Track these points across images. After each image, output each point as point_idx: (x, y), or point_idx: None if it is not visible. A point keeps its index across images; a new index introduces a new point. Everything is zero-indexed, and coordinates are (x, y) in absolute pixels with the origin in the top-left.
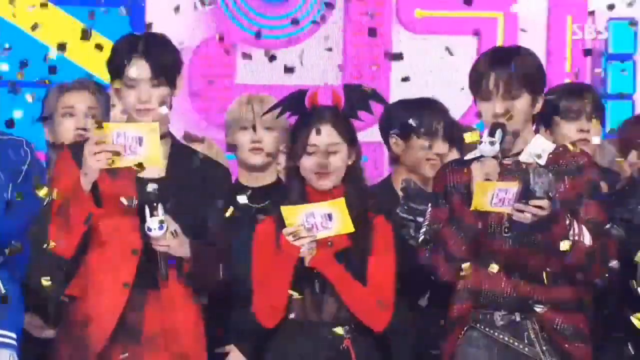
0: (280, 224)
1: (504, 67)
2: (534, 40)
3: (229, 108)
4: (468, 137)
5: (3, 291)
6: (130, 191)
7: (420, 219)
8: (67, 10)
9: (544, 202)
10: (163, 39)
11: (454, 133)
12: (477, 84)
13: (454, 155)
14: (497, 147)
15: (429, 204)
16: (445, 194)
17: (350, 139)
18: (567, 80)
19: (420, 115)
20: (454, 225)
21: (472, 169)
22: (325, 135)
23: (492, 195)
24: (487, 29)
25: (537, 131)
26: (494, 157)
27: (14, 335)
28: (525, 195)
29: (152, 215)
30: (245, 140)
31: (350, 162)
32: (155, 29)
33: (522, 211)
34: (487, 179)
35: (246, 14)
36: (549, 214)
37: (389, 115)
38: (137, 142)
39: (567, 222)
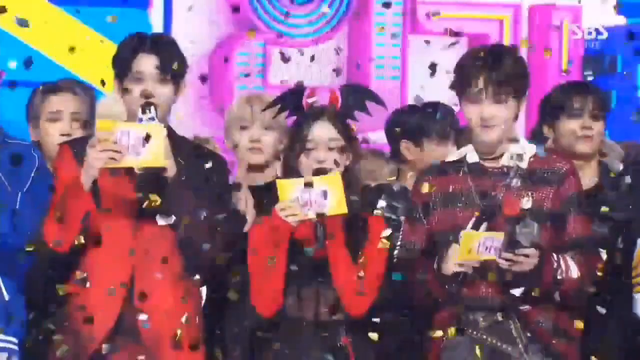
0: None
1: (494, 69)
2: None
3: (229, 107)
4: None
5: (7, 298)
6: (130, 189)
7: (402, 218)
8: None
9: (531, 251)
10: (172, 40)
11: (459, 135)
12: (464, 84)
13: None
14: None
15: (405, 215)
16: (427, 208)
17: (348, 138)
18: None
19: (432, 119)
20: (422, 288)
21: (450, 253)
22: (324, 131)
23: (479, 243)
24: (493, 30)
25: (539, 129)
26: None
27: (15, 340)
28: (512, 245)
29: (143, 113)
30: (245, 139)
31: (347, 162)
32: (185, 27)
33: (509, 260)
34: (463, 272)
35: (275, 11)
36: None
37: (398, 120)
38: (140, 143)
39: (555, 264)
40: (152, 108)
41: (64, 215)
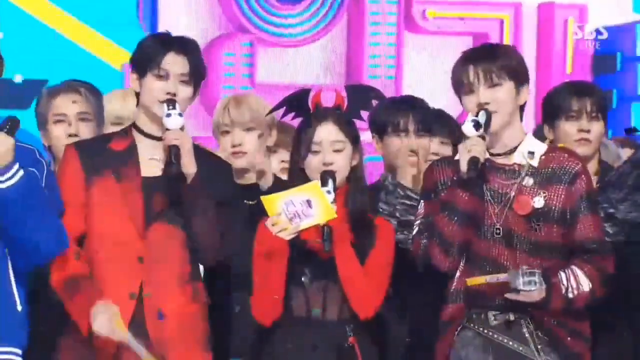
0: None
1: (481, 59)
2: (535, 41)
3: (215, 112)
4: (470, 282)
5: (20, 309)
6: (136, 194)
7: (398, 215)
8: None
9: (536, 293)
10: (197, 43)
11: (434, 126)
12: (459, 81)
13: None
14: (479, 127)
15: (408, 199)
16: (436, 192)
17: (354, 139)
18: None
19: (392, 114)
20: (446, 211)
21: (459, 149)
22: (329, 133)
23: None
24: (494, 30)
25: (540, 130)
26: (480, 137)
27: (19, 352)
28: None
29: (169, 107)
30: (227, 144)
31: (354, 163)
32: (172, 26)
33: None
34: (473, 157)
35: (264, 12)
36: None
37: (371, 117)
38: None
39: (563, 287)
40: (177, 105)
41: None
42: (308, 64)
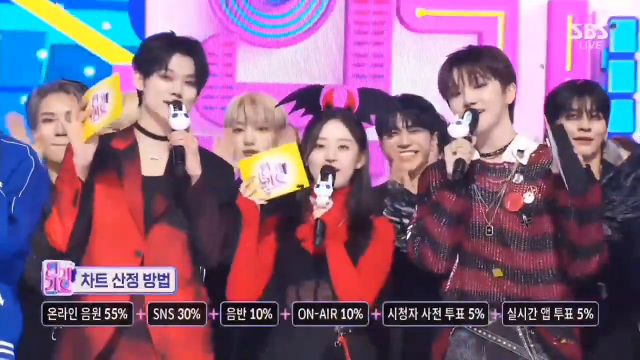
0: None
1: (465, 60)
2: (534, 40)
3: (227, 108)
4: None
5: (1, 302)
6: (137, 191)
7: (405, 221)
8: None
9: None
10: (201, 45)
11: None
12: (444, 84)
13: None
14: (465, 127)
15: (415, 206)
16: (429, 195)
17: (361, 141)
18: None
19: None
20: (435, 213)
21: (444, 150)
22: (337, 130)
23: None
24: (488, 29)
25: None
26: (466, 138)
27: (11, 346)
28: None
29: (176, 108)
30: (239, 142)
31: (359, 166)
32: (156, 28)
33: None
34: (459, 158)
35: (247, 13)
36: None
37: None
38: (104, 99)
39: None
40: (183, 105)
41: (58, 206)
42: (295, 64)
